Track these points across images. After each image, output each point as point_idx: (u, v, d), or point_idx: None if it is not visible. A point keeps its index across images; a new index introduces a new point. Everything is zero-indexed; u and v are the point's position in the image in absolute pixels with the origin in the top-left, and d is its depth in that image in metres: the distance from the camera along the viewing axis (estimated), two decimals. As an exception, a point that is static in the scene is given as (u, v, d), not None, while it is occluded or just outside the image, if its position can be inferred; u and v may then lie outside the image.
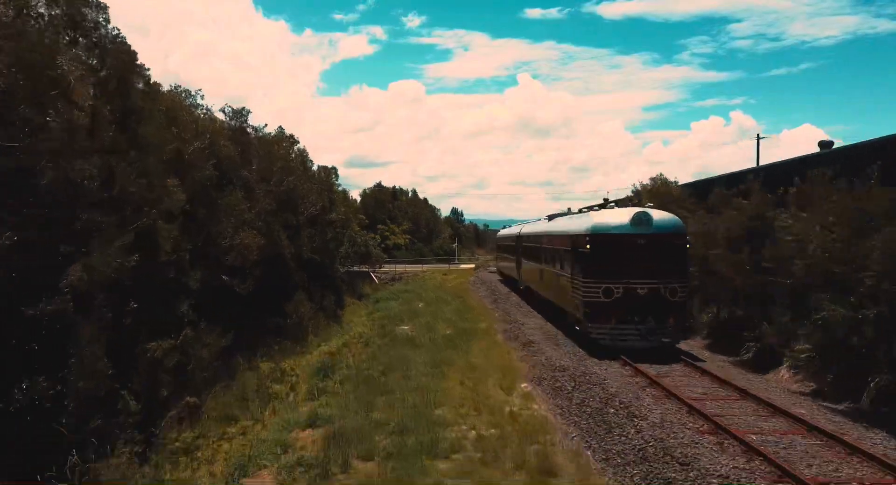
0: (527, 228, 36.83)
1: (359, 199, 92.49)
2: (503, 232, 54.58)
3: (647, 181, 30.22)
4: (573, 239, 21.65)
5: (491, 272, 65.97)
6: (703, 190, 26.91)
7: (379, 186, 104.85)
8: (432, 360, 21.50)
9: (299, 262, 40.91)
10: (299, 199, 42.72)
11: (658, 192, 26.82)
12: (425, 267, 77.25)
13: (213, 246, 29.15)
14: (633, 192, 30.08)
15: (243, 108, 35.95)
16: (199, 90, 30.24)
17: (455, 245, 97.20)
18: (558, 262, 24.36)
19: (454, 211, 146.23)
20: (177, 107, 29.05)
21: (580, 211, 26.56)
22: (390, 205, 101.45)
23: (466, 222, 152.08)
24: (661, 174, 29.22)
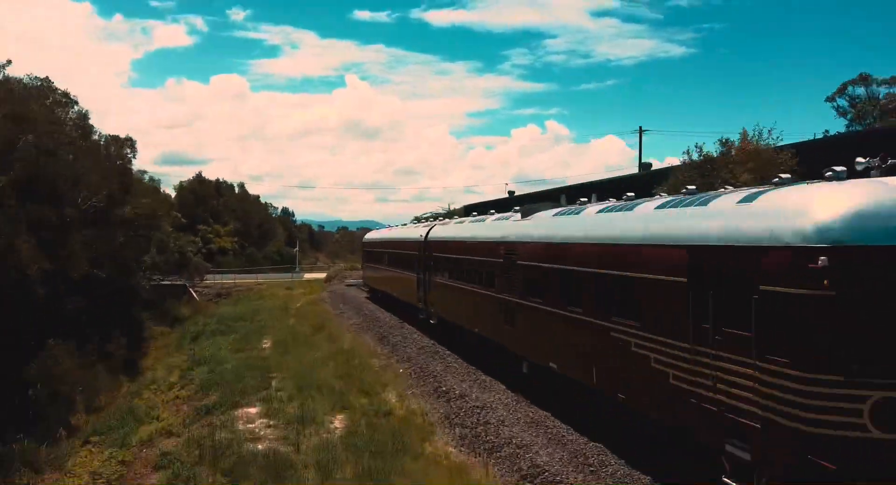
0: (446, 230, 23.54)
1: (174, 194, 74.45)
2: (380, 234, 40.32)
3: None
4: (738, 258, 8.43)
5: (350, 285, 51.89)
6: (812, 155, 14.97)
7: (199, 178, 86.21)
8: None
9: (65, 283, 24.94)
10: (67, 182, 26.58)
11: (754, 155, 14.42)
12: (261, 278, 61.54)
13: None
14: (685, 159, 17.73)
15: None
16: None
17: (296, 250, 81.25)
18: (624, 308, 11.05)
19: (285, 211, 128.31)
20: None
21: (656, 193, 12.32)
22: (214, 201, 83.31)
23: (299, 223, 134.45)
24: (744, 128, 17.23)
